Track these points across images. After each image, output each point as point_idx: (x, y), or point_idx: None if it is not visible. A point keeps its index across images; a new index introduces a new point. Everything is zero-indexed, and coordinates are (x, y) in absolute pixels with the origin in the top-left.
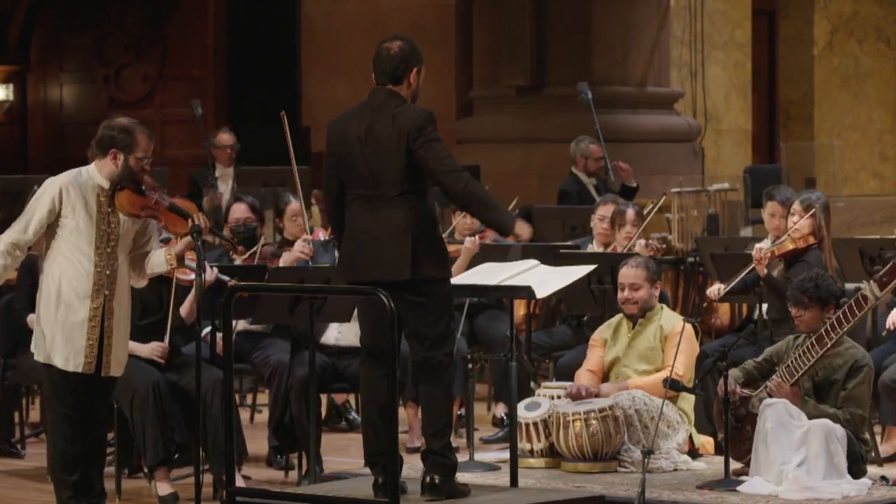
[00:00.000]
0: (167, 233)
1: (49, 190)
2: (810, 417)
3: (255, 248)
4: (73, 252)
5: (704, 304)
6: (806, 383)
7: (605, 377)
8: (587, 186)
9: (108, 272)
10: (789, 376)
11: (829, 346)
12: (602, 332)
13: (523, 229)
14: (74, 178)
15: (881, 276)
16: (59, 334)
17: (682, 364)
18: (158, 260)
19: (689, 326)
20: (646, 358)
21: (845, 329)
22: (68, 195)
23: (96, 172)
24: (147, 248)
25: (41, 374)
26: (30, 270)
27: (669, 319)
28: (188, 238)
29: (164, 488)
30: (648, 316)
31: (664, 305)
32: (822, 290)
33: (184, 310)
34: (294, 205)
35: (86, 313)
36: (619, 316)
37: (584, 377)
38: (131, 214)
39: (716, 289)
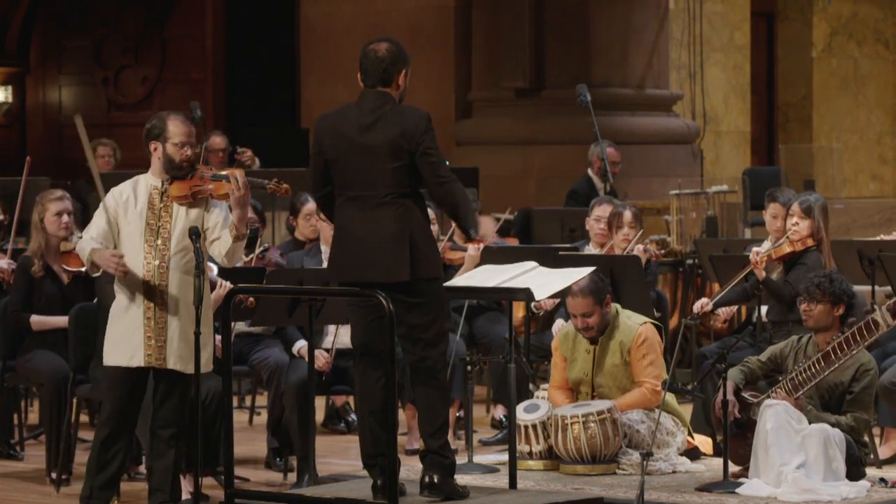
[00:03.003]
0: (214, 198)
1: (106, 197)
2: (811, 423)
3: (256, 252)
4: (128, 253)
5: (689, 318)
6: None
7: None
8: (598, 191)
9: (157, 263)
10: (793, 390)
11: (835, 366)
12: (561, 346)
13: (484, 228)
14: (128, 184)
15: (894, 305)
16: (122, 332)
17: (655, 371)
18: (226, 238)
19: (645, 331)
20: (616, 376)
21: (853, 352)
22: (121, 197)
23: (150, 174)
24: (221, 233)
25: (42, 377)
26: (24, 271)
27: (627, 330)
28: (235, 200)
29: (182, 494)
30: (607, 331)
31: (618, 307)
32: (835, 286)
33: None
34: (310, 204)
35: (141, 306)
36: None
37: (559, 397)
38: (182, 199)
39: (699, 304)
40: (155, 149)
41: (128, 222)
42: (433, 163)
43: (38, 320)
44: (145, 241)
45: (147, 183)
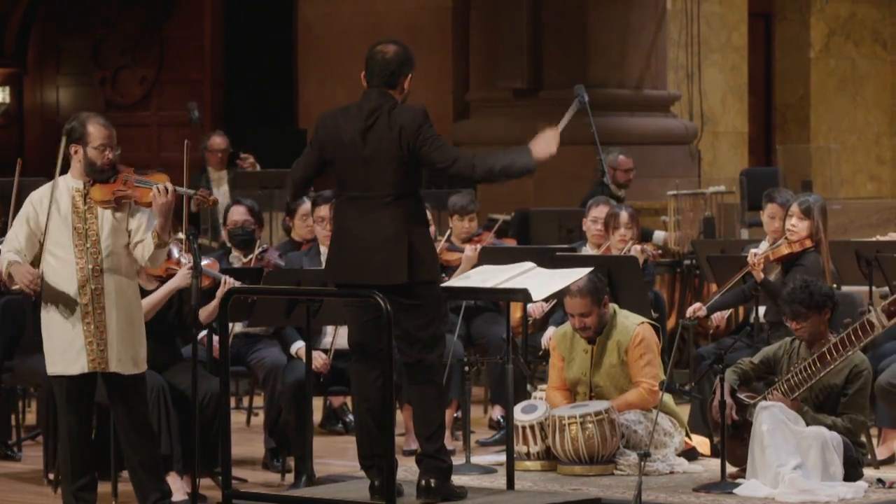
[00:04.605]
0: (138, 205)
1: (24, 204)
2: (808, 426)
3: (255, 253)
4: (55, 259)
5: (684, 320)
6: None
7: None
8: (616, 199)
9: (91, 266)
10: (789, 391)
11: (830, 367)
12: (559, 346)
13: (547, 146)
14: (48, 189)
15: (889, 306)
16: (60, 340)
17: (653, 371)
18: (148, 242)
19: (643, 331)
20: (614, 376)
21: (849, 353)
22: (41, 204)
23: (70, 176)
24: (144, 236)
25: (39, 378)
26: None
27: (625, 330)
28: (159, 208)
29: (179, 495)
30: (605, 331)
31: (616, 307)
32: (816, 296)
33: (204, 312)
34: (306, 205)
35: (78, 311)
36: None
37: (557, 398)
38: (106, 203)
39: (692, 309)
40: (76, 151)
41: (52, 228)
42: (436, 144)
43: None
44: (75, 245)
45: (68, 185)
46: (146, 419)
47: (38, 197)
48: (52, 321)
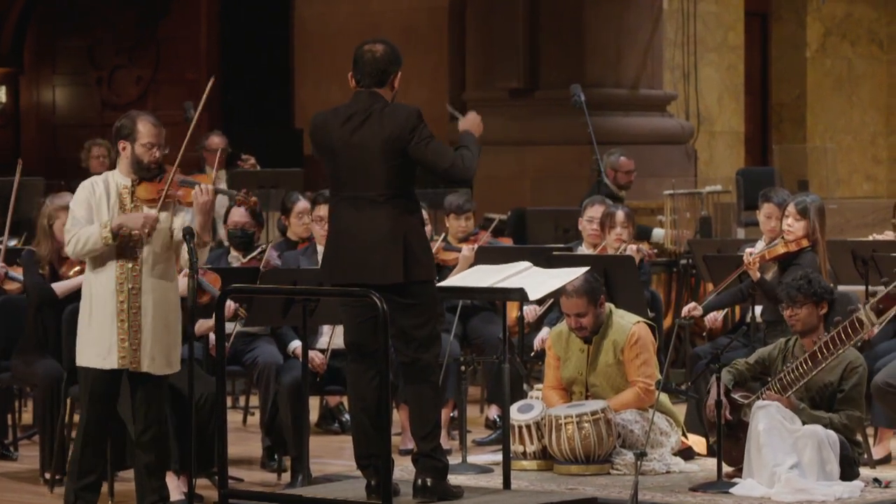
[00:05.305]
0: (181, 205)
1: (81, 188)
2: (804, 424)
3: (254, 253)
4: (101, 253)
5: (680, 320)
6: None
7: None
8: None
9: (129, 265)
10: (782, 390)
11: (822, 366)
12: (554, 346)
13: (473, 122)
14: (102, 179)
15: (877, 304)
16: (94, 333)
17: (648, 371)
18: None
19: (639, 330)
20: (610, 376)
21: (839, 351)
22: (93, 193)
23: (118, 173)
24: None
25: (36, 378)
26: (35, 263)
27: (621, 330)
28: (199, 207)
29: (176, 495)
30: (601, 331)
31: (612, 307)
32: (814, 285)
33: (203, 325)
34: (301, 203)
35: (114, 308)
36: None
37: (553, 397)
38: (151, 201)
39: (687, 309)
40: (124, 148)
41: (98, 222)
42: (432, 146)
43: (60, 286)
44: (117, 243)
45: (116, 181)
46: (162, 422)
47: (90, 183)
48: (87, 314)
